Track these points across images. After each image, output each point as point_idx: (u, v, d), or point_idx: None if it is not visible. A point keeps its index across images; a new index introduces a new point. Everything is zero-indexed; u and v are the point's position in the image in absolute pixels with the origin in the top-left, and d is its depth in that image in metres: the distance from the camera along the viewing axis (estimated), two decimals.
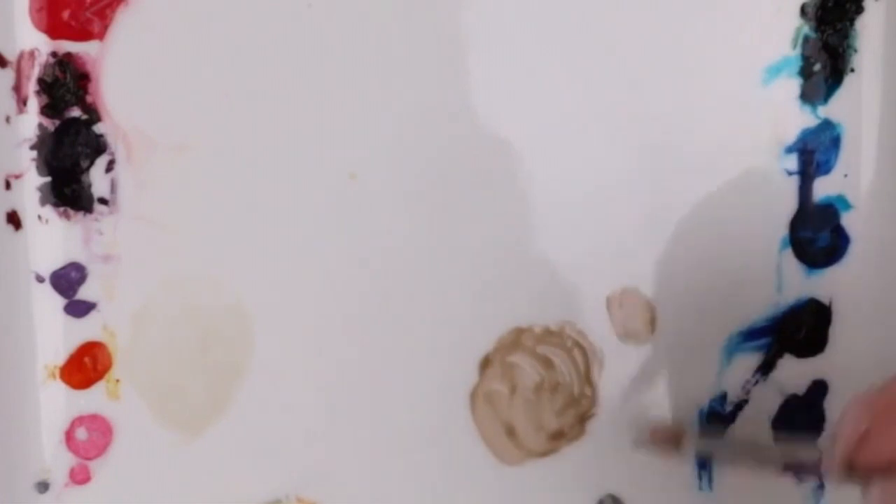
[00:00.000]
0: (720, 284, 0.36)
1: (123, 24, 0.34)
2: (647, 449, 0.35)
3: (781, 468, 0.31)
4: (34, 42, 0.34)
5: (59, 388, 0.35)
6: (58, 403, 0.35)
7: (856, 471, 0.25)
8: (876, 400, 0.25)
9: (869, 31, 0.35)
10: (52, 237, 0.34)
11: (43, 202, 0.34)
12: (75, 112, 0.34)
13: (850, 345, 0.36)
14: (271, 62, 0.34)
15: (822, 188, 0.36)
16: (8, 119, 0.34)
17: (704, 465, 0.37)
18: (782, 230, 0.36)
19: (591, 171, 0.35)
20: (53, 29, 0.33)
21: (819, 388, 0.37)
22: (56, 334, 0.35)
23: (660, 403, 0.37)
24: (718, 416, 0.37)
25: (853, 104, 0.35)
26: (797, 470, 0.30)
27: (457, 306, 0.36)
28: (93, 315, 0.35)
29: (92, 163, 0.34)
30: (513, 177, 0.35)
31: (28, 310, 0.35)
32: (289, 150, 0.35)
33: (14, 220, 0.34)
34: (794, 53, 0.35)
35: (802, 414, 0.37)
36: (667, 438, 0.35)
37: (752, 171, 0.36)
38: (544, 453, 0.37)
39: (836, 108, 0.35)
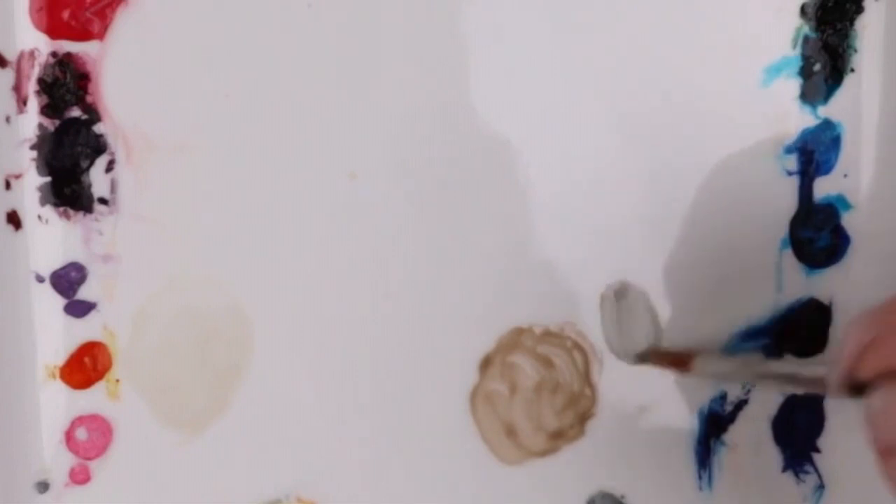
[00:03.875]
0: (720, 284, 0.36)
1: (123, 24, 0.34)
2: (652, 365, 0.35)
3: (786, 385, 0.32)
4: (34, 42, 0.34)
5: (59, 388, 0.35)
6: (58, 403, 0.35)
7: (858, 382, 0.26)
8: (881, 312, 0.26)
9: (869, 31, 0.35)
10: (52, 237, 0.34)
11: (43, 202, 0.34)
12: (75, 112, 0.34)
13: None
14: (271, 62, 0.34)
15: (822, 188, 0.36)
16: (8, 119, 0.34)
17: (704, 465, 0.37)
18: (782, 230, 0.36)
19: (591, 172, 0.35)
20: (53, 29, 0.33)
21: None
22: (56, 334, 0.35)
23: (660, 403, 0.37)
24: (718, 416, 0.37)
25: (853, 104, 0.35)
26: (801, 386, 0.30)
27: (457, 306, 0.36)
28: (93, 315, 0.35)
29: (92, 163, 0.34)
30: (513, 177, 0.35)
31: (28, 310, 0.35)
32: (289, 150, 0.35)
33: (14, 220, 0.34)
34: (794, 53, 0.35)
35: (802, 414, 0.37)
36: (672, 361, 0.35)
37: (752, 171, 0.36)
38: (544, 453, 0.37)
39: (836, 108, 0.35)
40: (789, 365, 0.32)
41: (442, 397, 0.36)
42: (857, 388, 0.26)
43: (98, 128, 0.34)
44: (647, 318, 0.36)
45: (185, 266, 0.35)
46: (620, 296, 0.36)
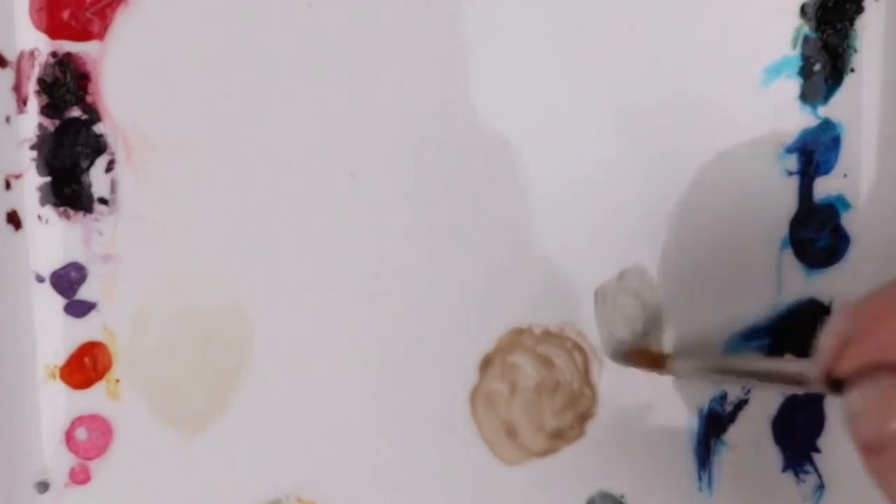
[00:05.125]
0: (720, 284, 0.36)
1: (123, 24, 0.34)
2: (625, 364, 0.35)
3: (767, 382, 0.31)
4: (34, 42, 0.33)
5: (59, 388, 0.35)
6: (58, 403, 0.35)
7: (838, 378, 0.25)
8: (861, 306, 0.25)
9: (869, 31, 0.35)
10: (52, 237, 0.34)
11: (43, 202, 0.34)
12: (75, 112, 0.34)
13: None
14: (271, 62, 0.34)
15: (822, 188, 0.36)
16: (8, 119, 0.34)
17: (704, 465, 0.37)
18: (782, 230, 0.36)
19: (590, 172, 0.35)
20: (53, 29, 0.33)
21: None
22: (56, 334, 0.35)
23: (660, 403, 0.37)
24: (718, 416, 0.37)
25: (853, 104, 0.35)
26: (783, 383, 0.30)
27: (457, 306, 0.36)
28: (93, 315, 0.35)
29: (92, 163, 0.34)
30: (514, 177, 0.35)
31: (28, 310, 0.35)
32: (289, 150, 0.35)
33: (14, 220, 0.34)
34: (794, 53, 0.35)
35: (802, 414, 0.37)
36: (646, 361, 0.35)
37: (752, 171, 0.36)
38: (544, 453, 0.37)
39: (836, 108, 0.35)
40: (769, 362, 0.32)
41: (442, 397, 0.36)
42: (838, 385, 0.25)
43: (98, 128, 0.34)
44: (641, 306, 0.36)
45: (185, 266, 0.35)
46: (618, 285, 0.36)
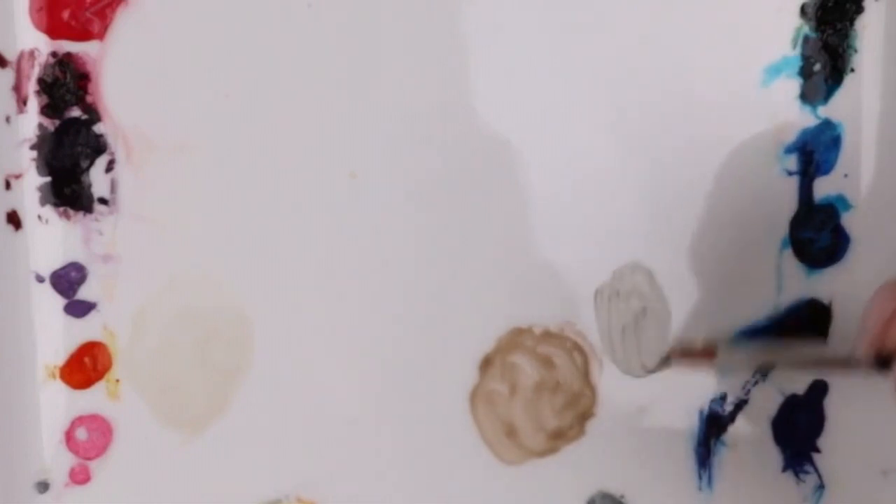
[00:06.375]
0: (720, 285, 0.36)
1: (123, 24, 0.34)
2: (678, 364, 0.35)
3: (811, 368, 0.31)
4: (34, 42, 0.34)
5: (59, 388, 0.35)
6: (58, 403, 0.35)
7: (886, 354, 0.25)
8: None
9: (869, 31, 0.35)
10: (52, 237, 0.34)
11: (43, 202, 0.34)
12: (75, 112, 0.34)
13: (850, 344, 0.36)
14: (271, 62, 0.34)
15: (822, 188, 0.36)
16: (8, 119, 0.34)
17: (704, 465, 0.37)
18: (782, 230, 0.36)
19: (590, 172, 0.35)
20: (53, 29, 0.33)
21: (819, 388, 0.37)
22: (56, 334, 0.35)
23: (660, 403, 0.37)
24: (718, 416, 0.37)
25: (853, 104, 0.35)
26: (826, 367, 0.29)
27: (457, 306, 0.36)
28: (93, 315, 0.35)
29: (92, 163, 0.34)
30: (514, 177, 0.35)
31: (28, 310, 0.35)
32: (289, 150, 0.35)
33: (14, 220, 0.34)
34: (794, 53, 0.35)
35: (802, 414, 0.37)
36: (697, 355, 0.35)
37: (752, 171, 0.36)
38: (544, 453, 0.37)
39: (836, 108, 0.35)
40: (815, 350, 0.31)
41: (442, 397, 0.36)
42: (884, 361, 0.25)
43: (98, 128, 0.34)
44: (642, 305, 0.36)
45: (185, 266, 0.35)
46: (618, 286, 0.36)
